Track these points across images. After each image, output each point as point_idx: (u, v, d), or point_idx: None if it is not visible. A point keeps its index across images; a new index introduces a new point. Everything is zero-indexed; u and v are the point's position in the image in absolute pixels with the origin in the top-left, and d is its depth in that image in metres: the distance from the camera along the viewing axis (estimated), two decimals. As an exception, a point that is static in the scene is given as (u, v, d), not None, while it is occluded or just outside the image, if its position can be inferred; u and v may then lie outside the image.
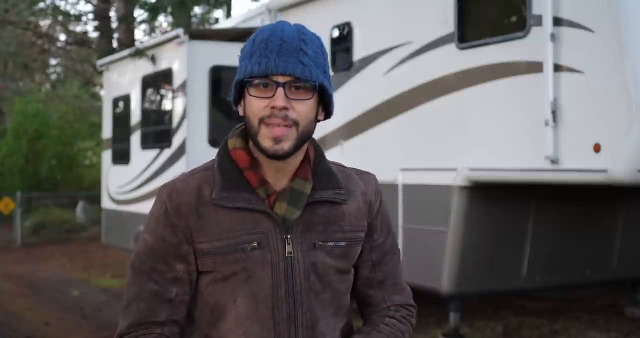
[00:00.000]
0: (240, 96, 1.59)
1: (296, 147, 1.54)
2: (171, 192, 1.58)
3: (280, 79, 1.50)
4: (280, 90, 1.50)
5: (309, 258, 1.58)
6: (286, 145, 1.51)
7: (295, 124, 1.51)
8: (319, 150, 1.66)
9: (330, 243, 1.60)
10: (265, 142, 1.51)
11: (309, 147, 1.64)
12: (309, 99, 1.53)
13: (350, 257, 1.64)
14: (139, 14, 18.52)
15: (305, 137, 1.55)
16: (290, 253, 1.56)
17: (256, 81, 1.51)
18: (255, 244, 1.55)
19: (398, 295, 1.73)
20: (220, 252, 1.55)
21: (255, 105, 1.52)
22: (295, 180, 1.59)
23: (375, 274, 1.71)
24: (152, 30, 17.04)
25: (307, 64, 1.51)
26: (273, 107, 1.49)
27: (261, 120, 1.51)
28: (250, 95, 1.52)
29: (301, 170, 1.60)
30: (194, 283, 1.60)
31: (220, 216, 1.55)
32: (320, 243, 1.59)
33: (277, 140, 1.50)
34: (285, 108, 1.49)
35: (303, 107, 1.52)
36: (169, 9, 14.33)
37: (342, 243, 1.62)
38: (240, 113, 1.60)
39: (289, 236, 1.57)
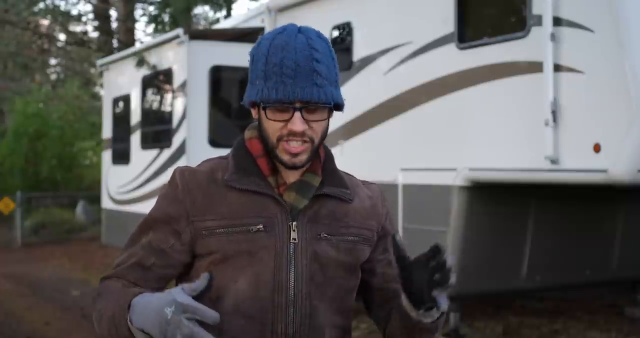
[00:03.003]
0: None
1: (310, 158, 1.63)
2: (185, 171, 1.66)
3: (297, 104, 1.56)
4: (297, 114, 1.56)
5: (312, 246, 1.61)
6: (303, 158, 1.60)
7: (312, 140, 1.60)
8: (329, 152, 1.74)
9: (335, 237, 1.64)
10: (284, 155, 1.59)
11: (320, 147, 1.71)
12: (324, 120, 1.61)
13: (355, 254, 1.67)
14: (140, 14, 18.53)
15: (319, 146, 1.64)
16: (295, 239, 1.60)
17: (274, 106, 1.57)
18: (260, 227, 1.59)
19: None
20: (226, 231, 1.59)
21: (273, 126, 1.59)
22: (305, 174, 1.66)
23: (392, 270, 1.72)
24: (157, 27, 17.04)
25: (321, 85, 1.57)
26: (291, 130, 1.57)
27: (279, 139, 1.59)
28: (268, 118, 1.59)
29: (312, 166, 1.67)
30: (179, 263, 1.64)
31: (229, 197, 1.61)
32: (326, 235, 1.63)
33: (294, 155, 1.59)
34: (302, 133, 1.57)
35: (319, 126, 1.61)
36: (171, 10, 14.33)
37: (349, 238, 1.66)
38: (254, 115, 1.67)
39: (294, 223, 1.61)
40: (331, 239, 1.63)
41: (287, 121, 1.56)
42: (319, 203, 1.65)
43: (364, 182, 1.78)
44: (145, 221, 1.67)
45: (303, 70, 1.56)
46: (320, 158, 1.70)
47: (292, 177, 1.65)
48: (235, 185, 1.61)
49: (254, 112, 1.66)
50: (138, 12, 18.79)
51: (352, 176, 1.78)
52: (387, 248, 1.73)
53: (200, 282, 1.43)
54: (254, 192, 1.61)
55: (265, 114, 1.58)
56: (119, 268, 1.65)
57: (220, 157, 1.70)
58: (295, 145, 1.57)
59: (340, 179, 1.70)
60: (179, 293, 1.42)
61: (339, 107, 1.63)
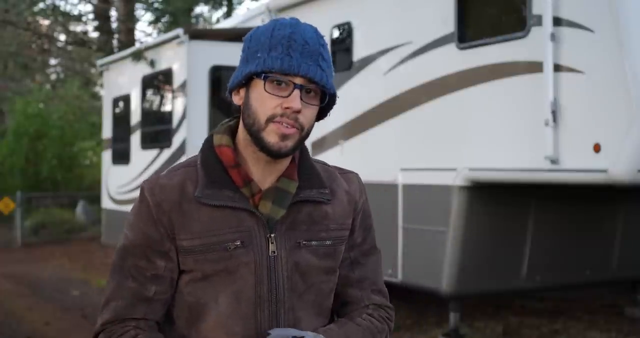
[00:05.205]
0: (241, 85, 1.56)
1: (295, 149, 1.53)
2: (154, 188, 1.56)
3: (298, 81, 1.48)
4: (297, 92, 1.48)
5: (293, 257, 1.56)
6: (290, 144, 1.51)
7: (302, 128, 1.51)
8: (303, 148, 1.64)
9: (315, 243, 1.58)
10: (272, 137, 1.49)
11: None
12: (317, 105, 1.53)
13: (336, 257, 1.62)
14: (141, 14, 18.55)
15: (305, 138, 1.55)
16: (274, 252, 1.54)
17: (275, 77, 1.48)
18: (238, 243, 1.52)
19: (376, 295, 1.71)
20: (202, 250, 1.52)
21: (267, 102, 1.49)
22: (280, 180, 1.57)
23: (354, 273, 1.68)
24: (156, 20, 17.03)
25: (324, 69, 1.51)
26: (287, 108, 1.48)
27: (270, 119, 1.49)
28: (266, 91, 1.49)
29: (287, 169, 1.59)
30: (175, 281, 1.58)
31: (202, 214, 1.53)
32: (305, 242, 1.57)
33: (284, 137, 1.49)
34: (299, 111, 1.48)
35: (310, 112, 1.52)
36: (172, 8, 14.35)
37: (327, 242, 1.60)
38: (236, 102, 1.57)
39: (272, 235, 1.55)
40: (311, 245, 1.57)
41: (284, 98, 1.48)
42: (296, 209, 1.57)
43: (342, 172, 1.69)
44: (125, 247, 1.58)
45: (311, 49, 1.49)
46: (295, 160, 1.61)
47: (267, 181, 1.57)
48: (207, 201, 1.52)
49: (236, 98, 1.56)
50: (139, 12, 18.80)
51: (328, 167, 1.69)
52: (352, 246, 1.67)
53: None
54: (228, 206, 1.53)
55: (264, 86, 1.48)
56: (118, 307, 1.55)
57: (188, 164, 1.59)
58: (287, 126, 1.48)
59: (318, 178, 1.61)
60: None
61: (331, 102, 1.56)
